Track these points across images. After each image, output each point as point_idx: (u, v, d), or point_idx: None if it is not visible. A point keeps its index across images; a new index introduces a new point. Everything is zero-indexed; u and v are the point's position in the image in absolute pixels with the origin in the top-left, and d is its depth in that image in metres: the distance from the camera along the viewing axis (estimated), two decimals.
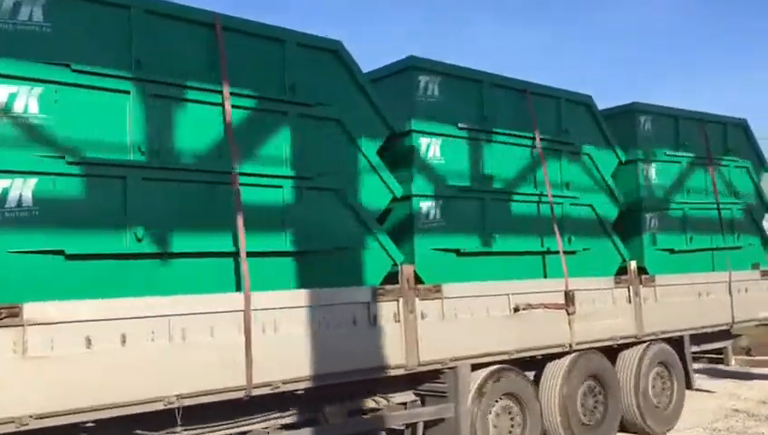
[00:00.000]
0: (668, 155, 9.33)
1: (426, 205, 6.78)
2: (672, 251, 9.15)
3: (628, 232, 8.99)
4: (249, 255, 5.29)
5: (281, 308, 5.29)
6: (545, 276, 7.68)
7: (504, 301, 6.85)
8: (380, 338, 5.87)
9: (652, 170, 9.16)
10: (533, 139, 7.70)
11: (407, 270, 6.10)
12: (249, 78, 5.68)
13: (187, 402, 4.82)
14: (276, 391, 5.24)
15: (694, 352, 9.86)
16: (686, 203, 9.47)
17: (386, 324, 5.91)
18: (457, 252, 6.91)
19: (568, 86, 8.70)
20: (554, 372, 7.43)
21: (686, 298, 8.82)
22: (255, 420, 5.49)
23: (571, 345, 7.36)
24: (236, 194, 5.32)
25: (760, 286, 10.10)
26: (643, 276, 8.31)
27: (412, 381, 6.57)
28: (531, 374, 7.46)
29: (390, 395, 6.33)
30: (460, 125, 7.07)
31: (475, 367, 6.63)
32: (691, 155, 9.66)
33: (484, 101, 7.38)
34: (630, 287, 8.11)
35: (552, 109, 8.14)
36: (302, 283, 5.70)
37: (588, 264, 8.20)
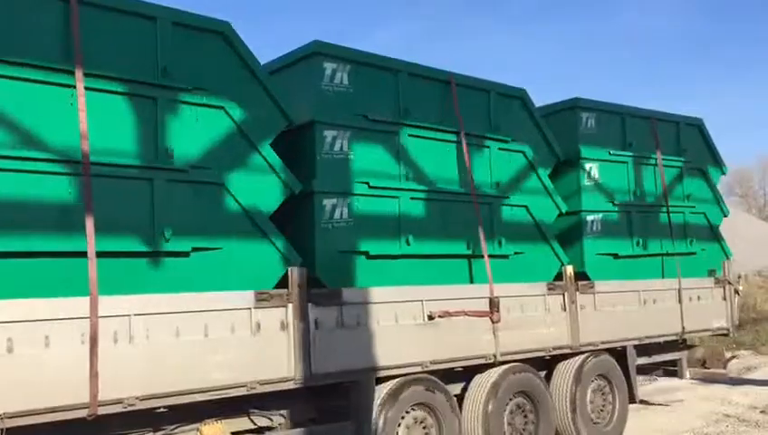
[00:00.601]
0: (613, 154, 8.77)
1: (330, 203, 6.18)
2: (616, 256, 8.57)
3: (569, 236, 8.42)
4: (105, 255, 4.70)
5: (137, 314, 4.68)
6: (471, 282, 7.09)
7: (417, 308, 6.27)
8: (264, 348, 5.27)
9: (595, 170, 8.59)
10: (458, 133, 7.13)
11: (297, 273, 5.51)
12: (110, 58, 5.10)
13: (18, 423, 4.21)
14: (130, 409, 4.62)
15: (645, 364, 9.38)
16: (633, 205, 8.91)
17: (271, 333, 5.32)
18: (366, 254, 6.31)
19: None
20: (480, 387, 6.84)
21: (629, 306, 8.26)
22: None
23: (495, 357, 6.78)
24: (87, 185, 4.70)
25: (713, 295, 9.56)
26: (580, 283, 7.74)
27: (317, 395, 5.97)
28: (458, 387, 6.88)
29: (282, 411, 5.72)
30: (371, 117, 6.49)
31: (384, 380, 6.04)
32: (639, 155, 9.11)
33: (400, 92, 6.79)
34: (565, 294, 7.54)
35: (481, 102, 7.57)
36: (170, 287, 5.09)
37: (522, 269, 7.62)
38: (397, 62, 6.87)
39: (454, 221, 7.06)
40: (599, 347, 7.83)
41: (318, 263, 5.98)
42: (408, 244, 6.58)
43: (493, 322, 6.77)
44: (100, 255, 4.61)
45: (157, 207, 5.12)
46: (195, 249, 5.21)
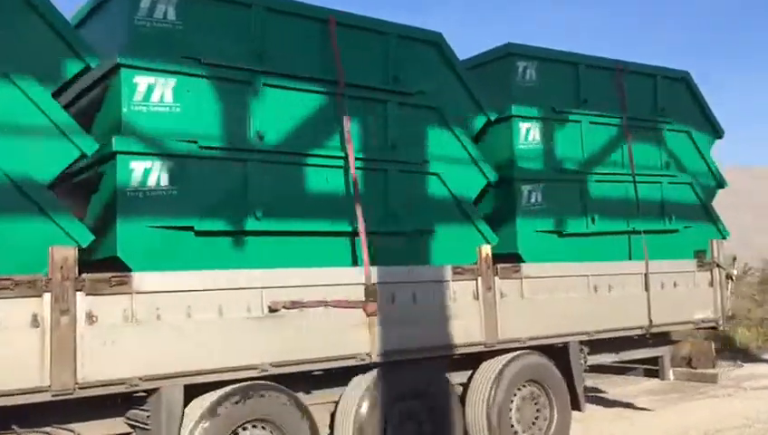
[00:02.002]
0: (560, 112, 7.29)
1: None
2: (561, 234, 7.11)
3: (501, 211, 7.01)
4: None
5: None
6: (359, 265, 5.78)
7: (253, 298, 4.99)
8: (11, 349, 4.12)
9: (534, 131, 7.13)
10: None
11: (58, 253, 4.31)
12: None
13: None
14: None
15: (617, 363, 7.92)
16: (588, 174, 7.41)
17: (22, 332, 4.15)
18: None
19: None
20: (353, 392, 5.55)
21: (573, 294, 6.79)
22: None
23: (370, 356, 5.45)
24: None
25: (696, 280, 7.96)
26: (499, 265, 6.32)
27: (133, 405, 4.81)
28: (337, 394, 5.61)
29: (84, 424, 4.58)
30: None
31: (203, 388, 4.81)
32: (598, 114, 7.59)
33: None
34: (479, 280, 6.14)
35: None
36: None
37: (435, 250, 6.28)
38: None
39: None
40: (526, 344, 6.40)
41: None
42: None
43: (367, 314, 5.45)
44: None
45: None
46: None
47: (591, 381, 8.93)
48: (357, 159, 5.85)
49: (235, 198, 5.32)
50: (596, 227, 7.37)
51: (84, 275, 4.35)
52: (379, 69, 6.23)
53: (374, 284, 5.49)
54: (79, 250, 4.43)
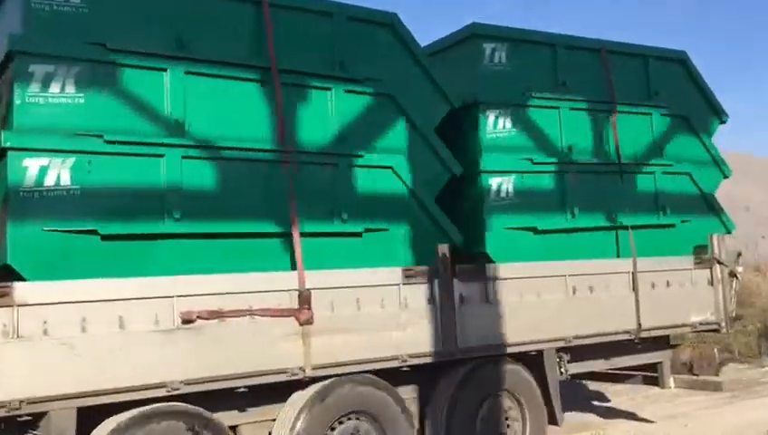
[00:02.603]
0: (535, 98, 6.65)
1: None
2: (537, 231, 6.47)
3: (470, 206, 6.40)
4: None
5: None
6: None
7: (162, 308, 4.48)
8: None
9: (505, 119, 6.49)
10: None
11: None
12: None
13: None
14: None
15: (610, 371, 7.29)
16: (567, 165, 6.76)
17: None
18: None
19: None
20: (290, 411, 5.01)
21: (548, 296, 6.16)
22: None
23: (304, 370, 4.90)
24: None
25: (694, 279, 7.25)
26: (460, 267, 5.72)
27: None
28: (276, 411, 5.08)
29: None
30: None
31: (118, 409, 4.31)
32: (580, 99, 6.94)
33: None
34: (435, 282, 5.55)
35: None
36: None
37: (393, 251, 5.72)
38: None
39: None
40: (493, 353, 5.79)
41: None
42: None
43: (300, 323, 4.91)
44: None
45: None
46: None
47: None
48: (295, 152, 5.32)
49: (148, 198, 4.81)
50: (576, 222, 6.71)
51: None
52: (322, 54, 5.67)
53: (308, 290, 4.95)
54: None
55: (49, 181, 4.48)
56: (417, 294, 5.48)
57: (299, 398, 5.01)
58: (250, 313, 4.73)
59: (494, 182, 6.34)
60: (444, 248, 5.64)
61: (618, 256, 6.91)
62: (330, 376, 5.04)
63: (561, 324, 6.20)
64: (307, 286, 4.97)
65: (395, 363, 5.31)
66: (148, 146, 4.80)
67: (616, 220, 6.96)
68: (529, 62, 6.73)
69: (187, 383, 4.48)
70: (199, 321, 4.55)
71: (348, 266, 5.33)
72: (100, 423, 4.31)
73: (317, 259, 5.28)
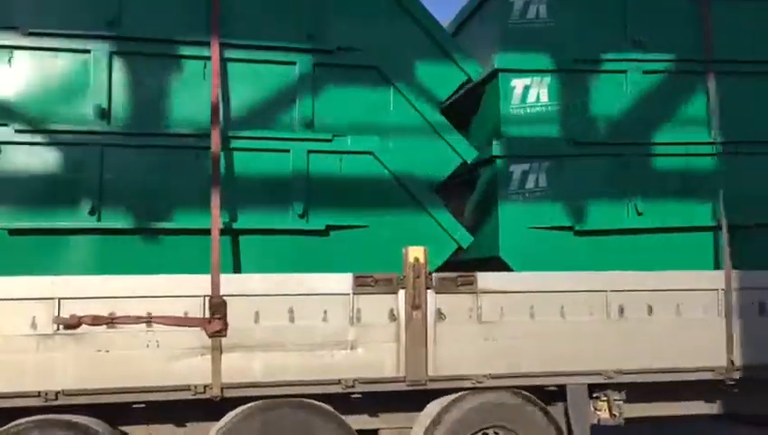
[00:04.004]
0: (581, 62, 5.19)
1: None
2: (578, 232, 5.05)
3: (482, 198, 5.22)
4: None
5: None
6: None
7: (42, 311, 4.11)
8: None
9: (539, 89, 5.14)
10: None
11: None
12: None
13: None
14: None
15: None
16: (632, 145, 5.20)
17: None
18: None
19: None
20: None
21: (579, 318, 4.75)
22: None
23: (208, 388, 4.24)
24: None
25: None
26: (437, 275, 4.61)
27: None
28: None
29: None
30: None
31: None
32: (658, 59, 5.30)
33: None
34: (401, 294, 4.52)
35: None
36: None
37: (372, 253, 4.83)
38: None
39: None
40: (483, 384, 4.59)
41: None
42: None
43: (209, 335, 4.25)
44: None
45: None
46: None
47: None
48: (241, 137, 4.68)
49: (62, 190, 4.49)
50: (643, 220, 5.14)
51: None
52: (286, 23, 4.91)
53: (221, 296, 4.28)
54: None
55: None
56: (375, 306, 4.50)
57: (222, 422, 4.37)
58: (147, 320, 4.20)
59: (515, 169, 5.07)
60: (416, 252, 4.57)
61: (716, 268, 5.19)
62: (247, 397, 4.32)
63: (597, 354, 4.76)
64: (222, 292, 4.30)
65: (336, 389, 4.41)
66: (57, 134, 4.46)
67: (709, 218, 5.23)
68: (581, 15, 5.28)
69: (67, 395, 4.08)
70: (84, 327, 4.13)
71: (314, 270, 4.57)
72: None
73: (271, 262, 4.63)
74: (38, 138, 4.47)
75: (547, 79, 5.16)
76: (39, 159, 4.48)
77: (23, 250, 4.41)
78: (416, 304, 4.52)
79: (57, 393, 4.06)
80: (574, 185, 5.11)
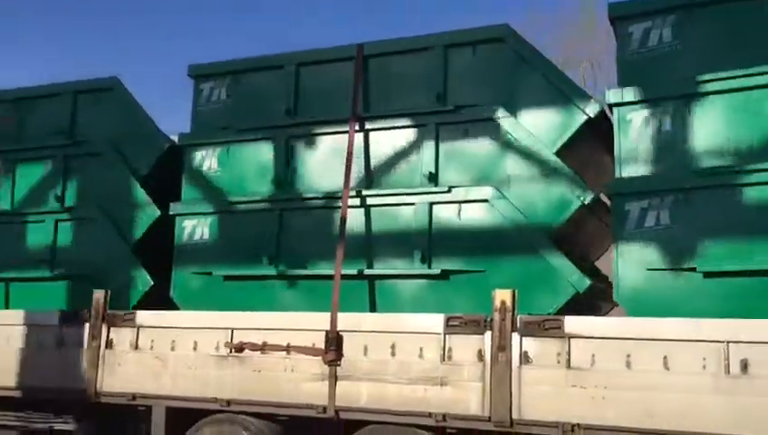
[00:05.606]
0: (703, 82, 4.56)
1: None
2: (707, 273, 4.42)
3: (598, 240, 4.96)
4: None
5: None
6: None
7: (221, 337, 5.49)
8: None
9: (660, 118, 4.69)
10: None
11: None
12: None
13: None
14: None
15: None
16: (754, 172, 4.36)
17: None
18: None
19: None
20: None
21: (684, 368, 4.21)
22: None
23: (327, 409, 5.06)
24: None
25: None
26: (522, 317, 4.61)
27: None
28: None
29: None
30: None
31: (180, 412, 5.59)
32: None
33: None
34: (487, 335, 4.68)
35: None
36: None
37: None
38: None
39: None
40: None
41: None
42: None
43: (325, 362, 5.10)
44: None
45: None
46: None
47: None
48: (374, 195, 5.53)
49: (251, 246, 5.89)
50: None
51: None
52: (416, 91, 5.54)
53: (337, 331, 5.09)
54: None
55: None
56: (464, 346, 4.76)
57: None
58: (284, 348, 5.26)
59: (633, 207, 4.73)
60: (504, 295, 4.70)
61: None
62: (358, 421, 5.01)
63: (709, 416, 4.13)
64: (339, 328, 5.11)
65: (428, 421, 4.79)
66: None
67: None
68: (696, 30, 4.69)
69: (234, 403, 5.35)
70: (247, 352, 5.38)
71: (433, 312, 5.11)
72: None
73: (398, 303, 5.32)
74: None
75: (670, 106, 4.71)
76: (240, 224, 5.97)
77: (231, 291, 5.92)
78: (501, 346, 4.64)
79: (228, 401, 5.38)
80: (701, 221, 4.52)
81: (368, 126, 5.64)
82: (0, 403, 6.26)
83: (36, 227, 6.69)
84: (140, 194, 6.30)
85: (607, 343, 4.41)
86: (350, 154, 5.52)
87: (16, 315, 6.30)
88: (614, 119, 4.90)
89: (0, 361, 6.17)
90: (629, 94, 4.85)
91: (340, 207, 5.50)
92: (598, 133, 5.22)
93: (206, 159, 6.18)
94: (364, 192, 5.54)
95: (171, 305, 6.08)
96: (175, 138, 6.38)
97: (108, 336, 5.86)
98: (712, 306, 4.39)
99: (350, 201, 5.49)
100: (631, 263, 4.71)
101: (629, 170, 4.81)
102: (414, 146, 5.50)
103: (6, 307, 6.69)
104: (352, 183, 5.53)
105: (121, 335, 5.83)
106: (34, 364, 6.09)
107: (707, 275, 4.47)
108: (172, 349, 5.63)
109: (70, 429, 6.03)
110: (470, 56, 5.43)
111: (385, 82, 5.68)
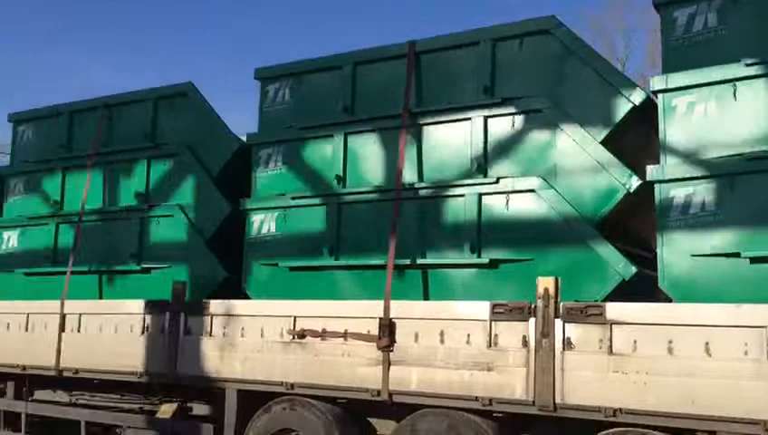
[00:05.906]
0: (748, 66, 4.49)
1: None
2: (753, 258, 4.36)
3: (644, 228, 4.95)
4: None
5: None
6: None
7: (286, 323, 5.84)
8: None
9: (706, 104, 4.65)
10: None
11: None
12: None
13: None
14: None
15: None
16: None
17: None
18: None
19: None
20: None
21: (727, 354, 4.20)
22: None
23: (381, 393, 5.30)
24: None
25: None
26: (565, 304, 4.69)
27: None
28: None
29: None
30: None
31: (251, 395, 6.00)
32: None
33: None
34: (531, 322, 4.80)
35: None
36: None
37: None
38: None
39: None
40: (617, 420, 4.45)
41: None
42: None
43: (378, 348, 5.34)
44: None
45: None
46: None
47: None
48: (427, 187, 5.72)
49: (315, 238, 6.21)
50: None
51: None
52: (465, 85, 5.68)
53: (390, 318, 5.33)
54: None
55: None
56: (509, 332, 4.89)
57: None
58: (341, 335, 5.54)
59: (677, 193, 4.72)
60: (547, 282, 4.80)
61: None
62: (409, 405, 5.23)
63: (753, 401, 4.11)
64: (392, 315, 5.35)
65: (475, 405, 4.95)
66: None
67: None
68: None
69: (297, 386, 5.67)
70: (308, 338, 5.70)
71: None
72: None
73: (450, 291, 5.51)
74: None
75: (715, 91, 4.67)
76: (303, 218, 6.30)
77: (296, 280, 6.27)
78: (544, 332, 4.75)
79: (292, 384, 5.72)
80: (746, 206, 4.47)
81: (419, 120, 5.83)
82: (78, 384, 6.95)
83: (125, 224, 7.27)
84: (213, 192, 6.73)
85: (648, 328, 4.44)
86: (402, 149, 5.74)
87: (107, 305, 6.92)
88: (658, 105, 4.89)
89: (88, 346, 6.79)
90: (674, 80, 4.83)
91: (393, 200, 5.73)
92: (645, 120, 5.21)
93: (273, 157, 6.55)
94: (416, 185, 5.75)
95: (244, 295, 6.49)
96: (243, 137, 6.78)
97: (186, 324, 6.32)
98: (758, 292, 4.34)
99: (403, 194, 5.71)
100: (676, 249, 4.72)
101: (674, 157, 4.81)
102: (463, 138, 5.66)
103: (100, 298, 7.32)
104: (405, 176, 5.76)
105: (197, 323, 6.28)
106: (125, 351, 6.63)
107: (753, 260, 4.42)
108: (242, 335, 6.03)
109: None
110: (517, 49, 5.53)
111: (436, 77, 5.86)
